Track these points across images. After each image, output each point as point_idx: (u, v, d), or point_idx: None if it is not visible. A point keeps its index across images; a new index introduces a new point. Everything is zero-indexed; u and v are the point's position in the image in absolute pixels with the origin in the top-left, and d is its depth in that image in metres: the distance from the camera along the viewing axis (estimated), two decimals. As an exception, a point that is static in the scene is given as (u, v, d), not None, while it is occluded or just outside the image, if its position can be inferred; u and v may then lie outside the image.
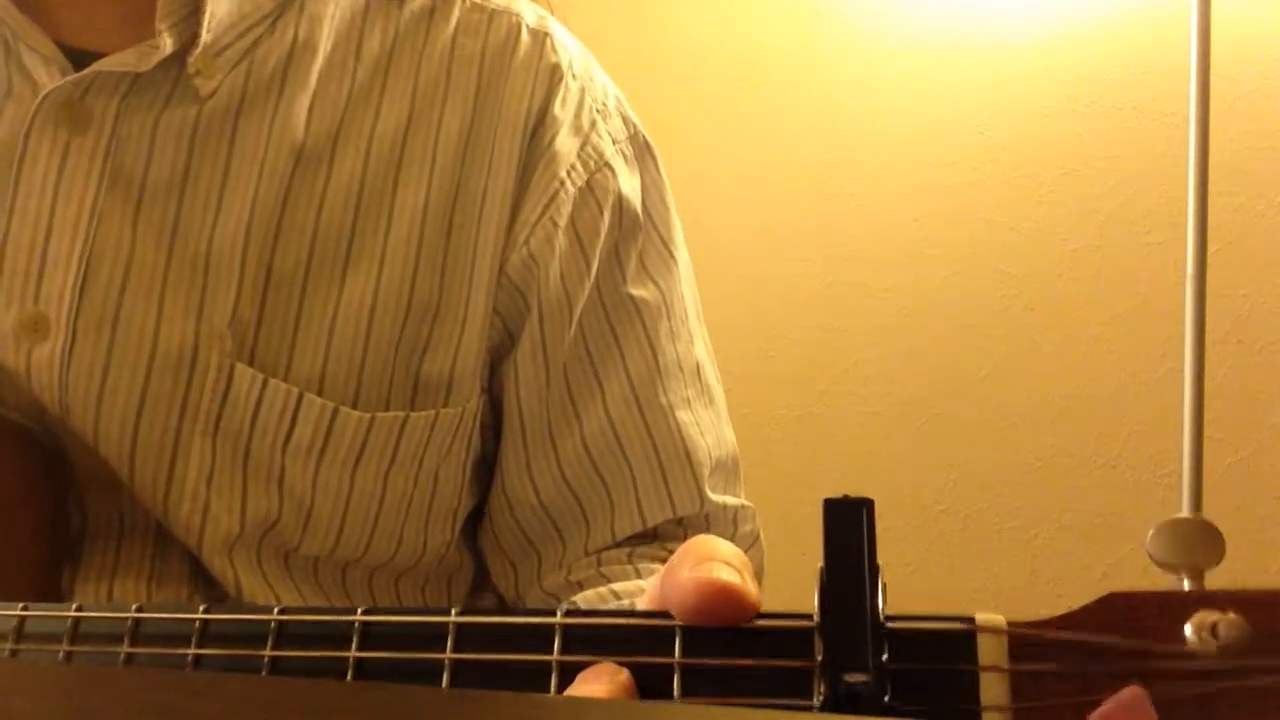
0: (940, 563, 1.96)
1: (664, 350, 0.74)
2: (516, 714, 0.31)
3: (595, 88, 0.76)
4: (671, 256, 0.77)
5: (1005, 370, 1.98)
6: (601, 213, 0.73)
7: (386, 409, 0.69)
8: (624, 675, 0.38)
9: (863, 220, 2.06)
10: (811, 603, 0.36)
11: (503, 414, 0.74)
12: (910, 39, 2.05)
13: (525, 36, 0.74)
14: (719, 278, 2.06)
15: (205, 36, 0.66)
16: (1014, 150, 1.99)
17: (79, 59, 0.67)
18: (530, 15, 0.76)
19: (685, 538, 0.74)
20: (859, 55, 2.08)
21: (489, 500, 0.76)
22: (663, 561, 0.70)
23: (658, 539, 0.74)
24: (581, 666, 0.38)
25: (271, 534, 0.68)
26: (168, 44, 0.66)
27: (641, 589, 0.68)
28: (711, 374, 0.78)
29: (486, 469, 0.76)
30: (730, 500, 0.76)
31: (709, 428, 0.76)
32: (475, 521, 0.77)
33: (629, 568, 0.71)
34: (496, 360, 0.73)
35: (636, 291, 0.74)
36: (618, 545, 0.73)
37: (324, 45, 0.71)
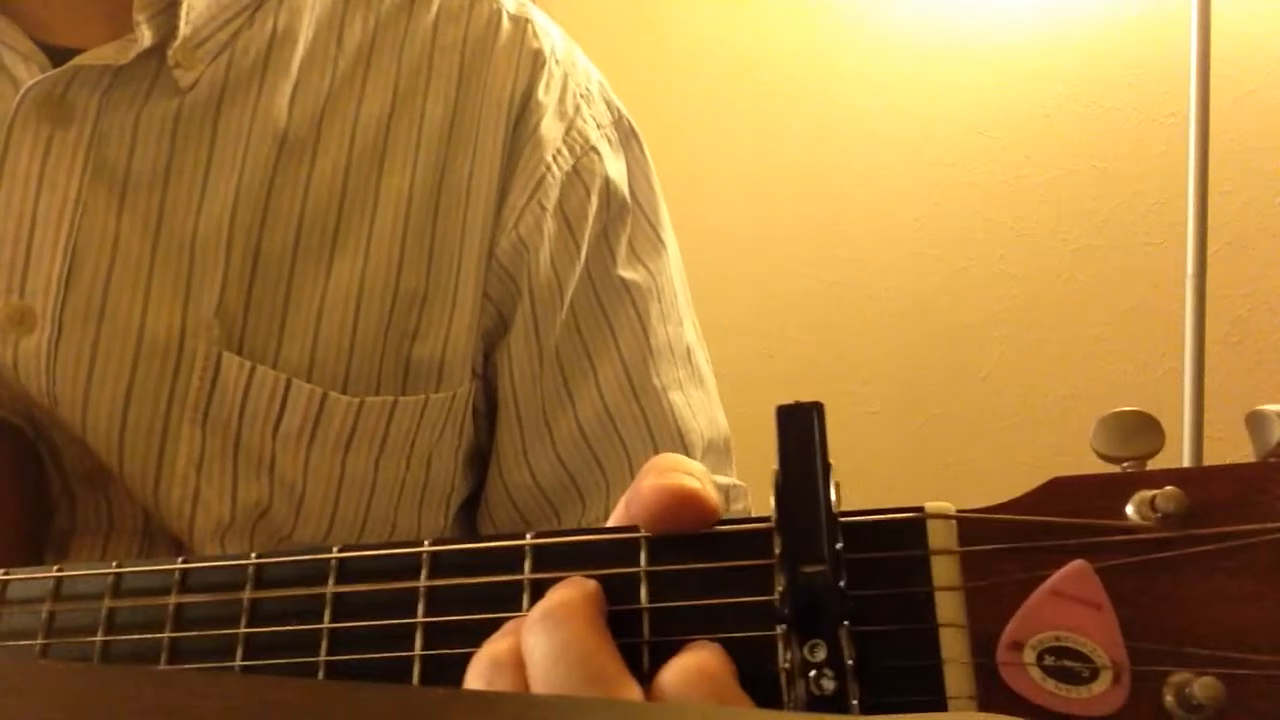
0: (940, 563, 1.95)
1: (655, 332, 0.75)
2: (516, 714, 0.32)
3: (578, 73, 0.77)
4: (660, 239, 0.77)
5: (1005, 370, 1.98)
6: (589, 196, 0.74)
7: (376, 394, 0.69)
8: (592, 584, 0.38)
9: (863, 220, 2.07)
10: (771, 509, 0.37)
11: (497, 399, 0.74)
12: (910, 39, 2.06)
13: (506, 23, 0.75)
14: (719, 278, 2.07)
15: (184, 29, 0.67)
16: (1014, 150, 2.00)
17: (57, 56, 0.67)
18: (510, 2, 0.76)
19: None
20: (859, 55, 2.09)
21: (486, 485, 0.76)
22: None
23: None
24: (553, 584, 0.39)
25: (263, 521, 0.68)
26: (146, 37, 0.66)
27: None
28: (701, 356, 0.79)
29: (481, 459, 0.76)
30: (723, 480, 0.76)
31: (701, 409, 0.76)
32: (470, 509, 0.77)
33: None
34: (490, 346, 0.73)
35: (627, 274, 0.75)
36: None
37: (304, 34, 0.71)
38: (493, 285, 0.72)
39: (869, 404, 2.04)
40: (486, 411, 0.75)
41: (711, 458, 0.76)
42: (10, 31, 0.67)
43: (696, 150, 2.11)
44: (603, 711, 0.32)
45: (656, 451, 0.72)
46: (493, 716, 0.31)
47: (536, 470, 0.73)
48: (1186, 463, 1.61)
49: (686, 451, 0.73)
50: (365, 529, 0.71)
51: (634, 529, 0.39)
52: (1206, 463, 1.60)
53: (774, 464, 0.37)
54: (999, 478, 1.96)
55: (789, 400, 0.37)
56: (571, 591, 0.38)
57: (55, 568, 0.46)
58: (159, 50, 0.67)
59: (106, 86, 0.67)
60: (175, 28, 0.67)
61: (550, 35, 0.77)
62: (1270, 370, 1.86)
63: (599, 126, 0.76)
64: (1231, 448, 1.83)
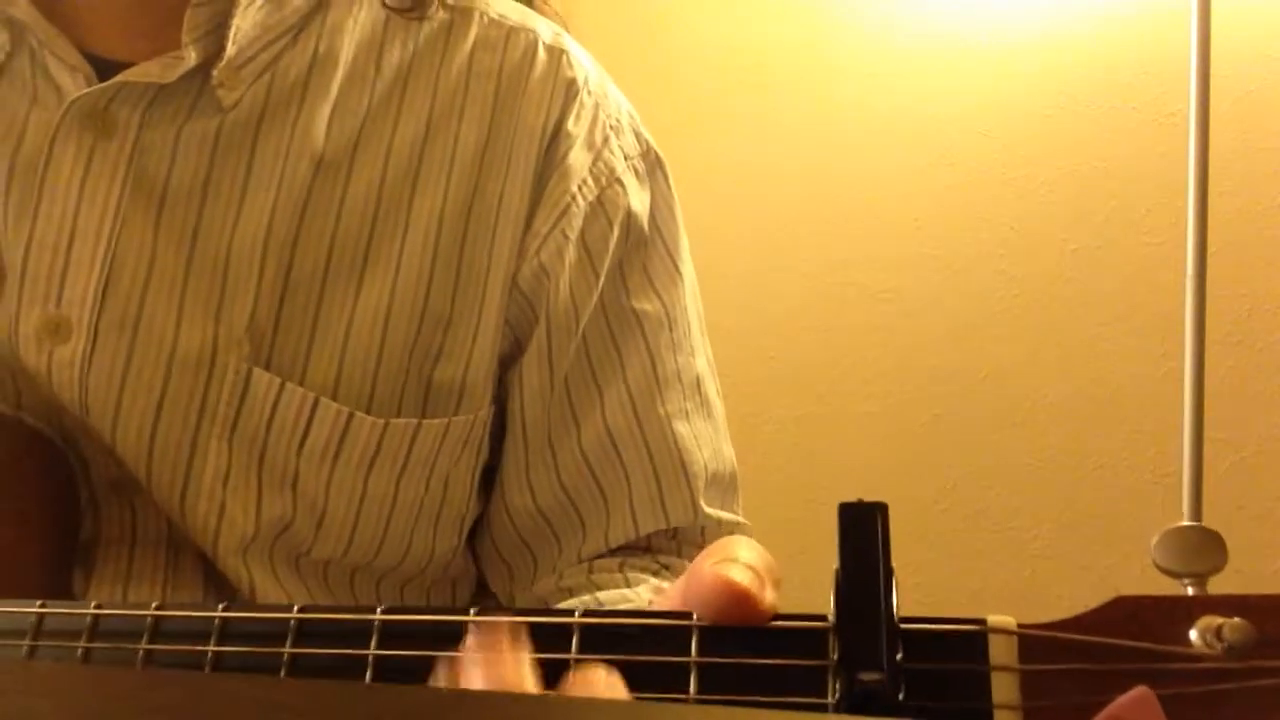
0: (940, 563, 1.96)
1: (664, 361, 0.75)
2: (516, 714, 0.31)
3: (609, 104, 0.77)
4: (677, 271, 0.78)
5: (1005, 370, 1.98)
6: (611, 228, 0.74)
7: (399, 415, 0.69)
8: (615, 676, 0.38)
9: (863, 220, 2.06)
10: (823, 603, 0.37)
11: (506, 421, 0.74)
12: (910, 39, 2.06)
13: (542, 53, 0.75)
14: (719, 278, 2.06)
15: (230, 50, 0.68)
16: (1014, 150, 1.99)
17: (105, 68, 0.68)
18: (547, 32, 0.77)
19: (679, 551, 0.74)
20: (859, 55, 2.08)
21: (488, 506, 0.76)
22: (654, 574, 0.71)
23: (650, 551, 0.74)
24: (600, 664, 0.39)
25: (285, 536, 0.69)
26: (192, 56, 0.67)
27: (627, 599, 0.69)
28: (712, 388, 0.79)
29: (491, 477, 0.76)
30: (726, 516, 0.76)
31: (706, 441, 0.76)
32: (474, 527, 0.78)
33: (618, 576, 0.72)
34: (503, 368, 0.74)
35: (640, 305, 0.75)
36: (611, 554, 0.74)
37: (345, 57, 0.72)
38: (512, 310, 0.73)
39: (869, 404, 2.04)
40: (497, 433, 0.75)
41: (714, 490, 0.76)
42: (59, 42, 0.68)
43: (696, 150, 2.10)
44: (604, 712, 0.32)
45: (658, 480, 0.73)
46: (495, 717, 0.31)
47: (538, 493, 0.74)
48: (1186, 463, 1.61)
49: (688, 482, 0.74)
50: (383, 547, 0.71)
51: (687, 615, 0.39)
52: (1207, 463, 1.61)
53: (834, 562, 0.37)
54: (999, 478, 1.96)
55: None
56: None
57: (93, 604, 0.46)
58: (204, 69, 0.68)
59: (150, 102, 0.68)
60: (221, 48, 0.68)
61: (584, 66, 0.77)
62: (1270, 370, 1.86)
63: (626, 158, 0.76)
64: (1232, 449, 1.84)
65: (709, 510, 0.74)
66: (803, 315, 2.08)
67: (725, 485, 0.77)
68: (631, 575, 0.72)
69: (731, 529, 0.76)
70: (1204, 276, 1.62)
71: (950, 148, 2.02)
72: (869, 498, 0.36)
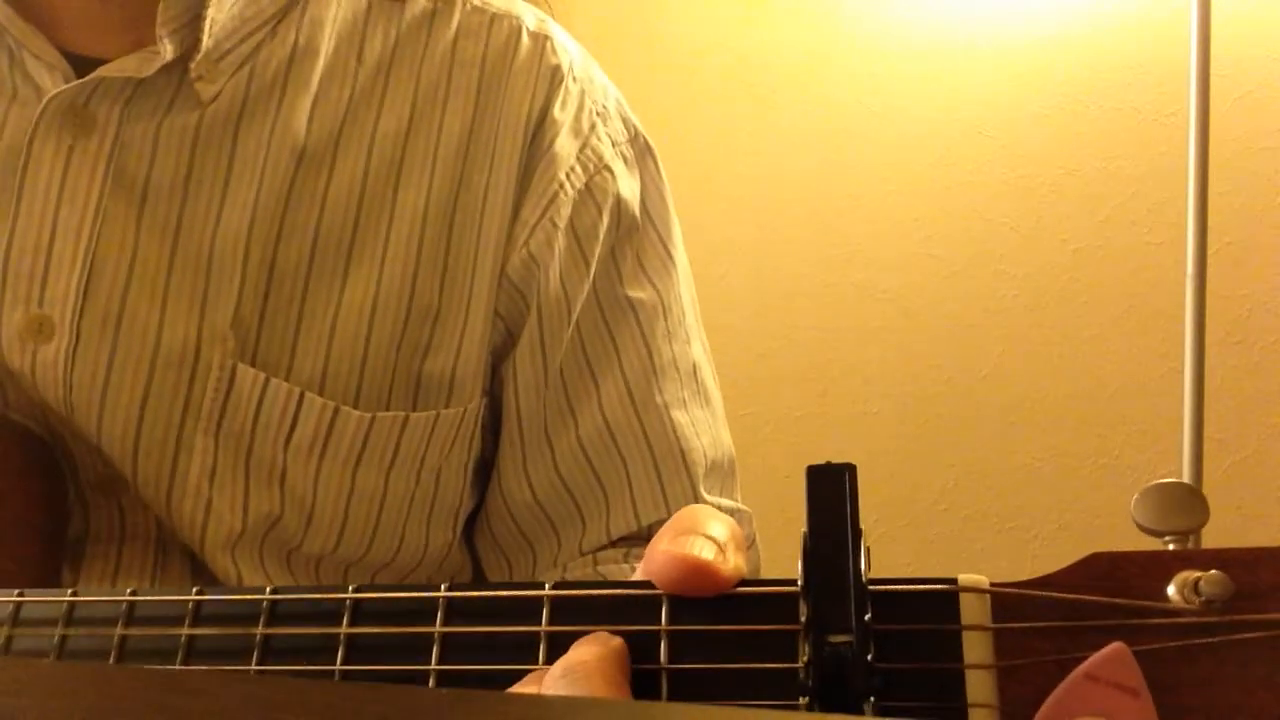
0: (940, 563, 1.95)
1: (660, 350, 0.75)
2: (516, 714, 0.31)
3: (595, 90, 0.77)
4: (670, 258, 0.77)
5: (1005, 370, 1.98)
6: (601, 214, 0.73)
7: (387, 409, 0.69)
8: (617, 642, 0.38)
9: (863, 220, 2.06)
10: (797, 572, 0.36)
11: (501, 413, 0.74)
12: (910, 39, 2.06)
13: (526, 39, 0.75)
14: (719, 278, 2.06)
15: (206, 42, 0.67)
16: (1014, 150, 1.99)
17: (82, 65, 0.67)
18: (530, 18, 0.76)
19: None
20: (859, 55, 2.08)
21: (486, 499, 0.76)
22: None
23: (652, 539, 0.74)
24: (571, 638, 0.39)
25: (274, 532, 0.68)
26: (168, 50, 0.66)
27: None
28: (709, 375, 0.78)
29: (487, 470, 0.76)
30: (726, 503, 0.75)
31: (705, 428, 0.76)
32: (472, 522, 0.77)
33: (625, 567, 0.71)
34: (497, 360, 0.73)
35: (633, 293, 0.75)
36: (613, 545, 0.73)
37: (325, 48, 0.71)
38: (502, 301, 0.72)
39: (869, 404, 2.03)
40: (493, 426, 0.75)
41: (714, 478, 0.75)
42: (36, 40, 0.67)
43: (696, 150, 2.10)
44: (605, 712, 0.32)
45: (657, 470, 0.73)
46: (495, 717, 0.31)
47: (536, 485, 0.73)
48: (1186, 463, 1.61)
49: (688, 470, 0.73)
50: (374, 541, 0.71)
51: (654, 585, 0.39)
52: (1207, 463, 1.61)
53: (803, 525, 0.36)
54: (999, 478, 1.96)
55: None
56: (595, 649, 0.38)
57: (69, 591, 0.46)
58: (181, 63, 0.67)
59: (128, 98, 0.67)
60: (198, 40, 0.67)
61: (569, 51, 0.76)
62: (1270, 370, 1.86)
63: (614, 144, 0.76)
64: (1232, 449, 1.84)
65: (709, 498, 0.74)
66: (803, 315, 2.07)
67: (725, 472, 0.77)
68: (637, 565, 0.71)
69: (732, 516, 0.75)
70: (1204, 276, 1.61)
71: (950, 148, 2.02)
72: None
